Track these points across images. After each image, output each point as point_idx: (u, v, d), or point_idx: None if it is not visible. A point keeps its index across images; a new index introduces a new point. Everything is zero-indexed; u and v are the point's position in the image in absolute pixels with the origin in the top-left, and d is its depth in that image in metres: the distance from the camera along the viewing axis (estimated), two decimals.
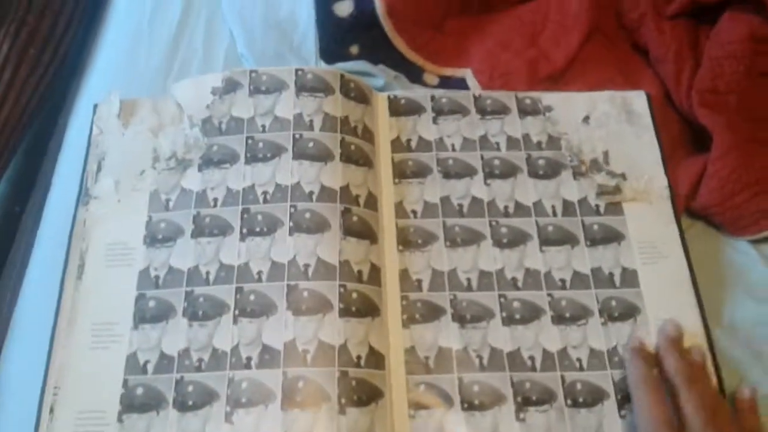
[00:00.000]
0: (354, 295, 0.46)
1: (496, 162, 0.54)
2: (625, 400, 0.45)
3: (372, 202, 0.51)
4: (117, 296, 0.48)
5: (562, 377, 0.46)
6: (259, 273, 0.47)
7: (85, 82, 0.63)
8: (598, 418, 0.45)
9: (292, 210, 0.49)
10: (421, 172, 0.53)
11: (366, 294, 0.47)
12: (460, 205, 0.52)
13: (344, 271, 0.47)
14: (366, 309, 0.46)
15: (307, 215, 0.48)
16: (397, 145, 0.54)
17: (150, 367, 0.45)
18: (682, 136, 0.59)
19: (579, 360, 0.47)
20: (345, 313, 0.45)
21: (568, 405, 0.45)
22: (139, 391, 0.44)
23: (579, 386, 0.46)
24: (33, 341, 0.48)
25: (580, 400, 0.45)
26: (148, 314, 0.47)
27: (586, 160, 0.54)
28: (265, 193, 0.50)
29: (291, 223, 0.48)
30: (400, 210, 0.51)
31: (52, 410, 0.44)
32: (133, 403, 0.44)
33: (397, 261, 0.49)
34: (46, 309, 0.48)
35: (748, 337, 0.50)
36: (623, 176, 0.53)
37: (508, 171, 0.53)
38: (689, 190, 0.54)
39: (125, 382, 0.45)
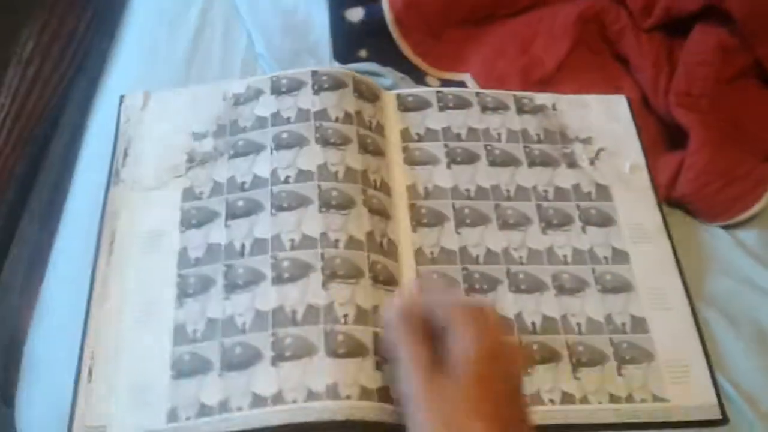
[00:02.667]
0: (378, 266, 0.50)
1: (497, 152, 0.59)
2: (623, 361, 0.50)
3: (385, 187, 0.55)
4: (156, 275, 0.50)
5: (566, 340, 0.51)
6: (292, 241, 0.50)
7: (105, 84, 0.66)
8: (601, 374, 0.49)
9: (319, 189, 0.53)
10: (429, 159, 0.58)
11: (386, 265, 0.51)
12: (468, 190, 0.57)
13: (371, 243, 0.51)
14: (387, 279, 0.50)
15: (334, 193, 0.52)
16: (406, 136, 0.59)
17: (198, 335, 0.48)
18: (659, 137, 0.65)
19: (578, 325, 0.52)
20: (375, 281, 0.49)
21: (573, 363, 0.50)
22: (186, 357, 0.47)
23: (581, 348, 0.50)
24: (63, 318, 0.52)
25: (584, 360, 0.50)
26: (190, 289, 0.50)
27: (578, 152, 0.60)
28: (288, 176, 0.53)
29: (319, 201, 0.52)
30: (412, 192, 0.56)
31: (90, 374, 0.47)
32: (182, 369, 0.47)
33: (410, 238, 0.54)
34: (76, 288, 0.51)
35: (724, 308, 0.55)
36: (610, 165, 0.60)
37: (509, 161, 0.59)
38: (669, 182, 0.60)
39: (173, 352, 0.47)
